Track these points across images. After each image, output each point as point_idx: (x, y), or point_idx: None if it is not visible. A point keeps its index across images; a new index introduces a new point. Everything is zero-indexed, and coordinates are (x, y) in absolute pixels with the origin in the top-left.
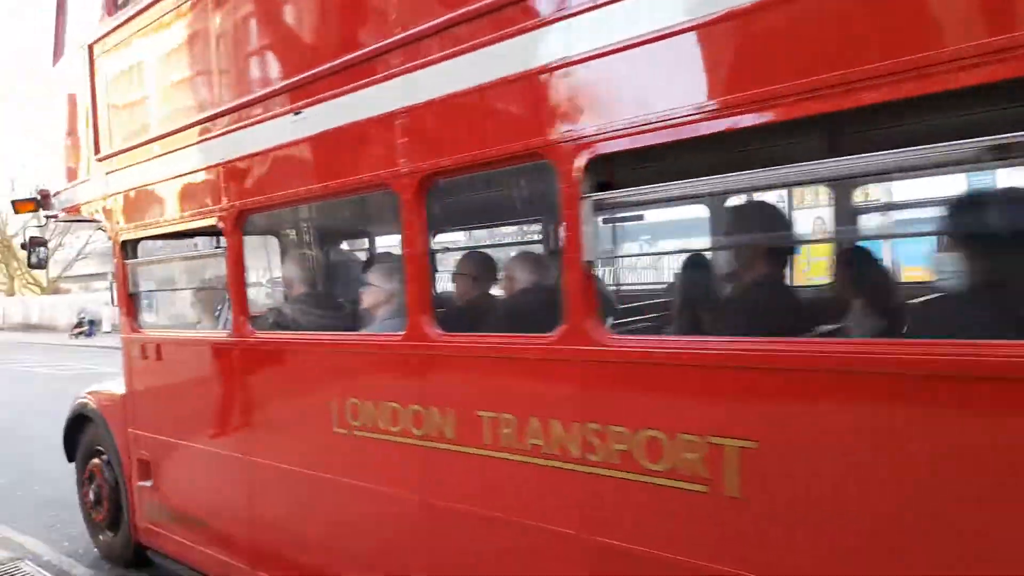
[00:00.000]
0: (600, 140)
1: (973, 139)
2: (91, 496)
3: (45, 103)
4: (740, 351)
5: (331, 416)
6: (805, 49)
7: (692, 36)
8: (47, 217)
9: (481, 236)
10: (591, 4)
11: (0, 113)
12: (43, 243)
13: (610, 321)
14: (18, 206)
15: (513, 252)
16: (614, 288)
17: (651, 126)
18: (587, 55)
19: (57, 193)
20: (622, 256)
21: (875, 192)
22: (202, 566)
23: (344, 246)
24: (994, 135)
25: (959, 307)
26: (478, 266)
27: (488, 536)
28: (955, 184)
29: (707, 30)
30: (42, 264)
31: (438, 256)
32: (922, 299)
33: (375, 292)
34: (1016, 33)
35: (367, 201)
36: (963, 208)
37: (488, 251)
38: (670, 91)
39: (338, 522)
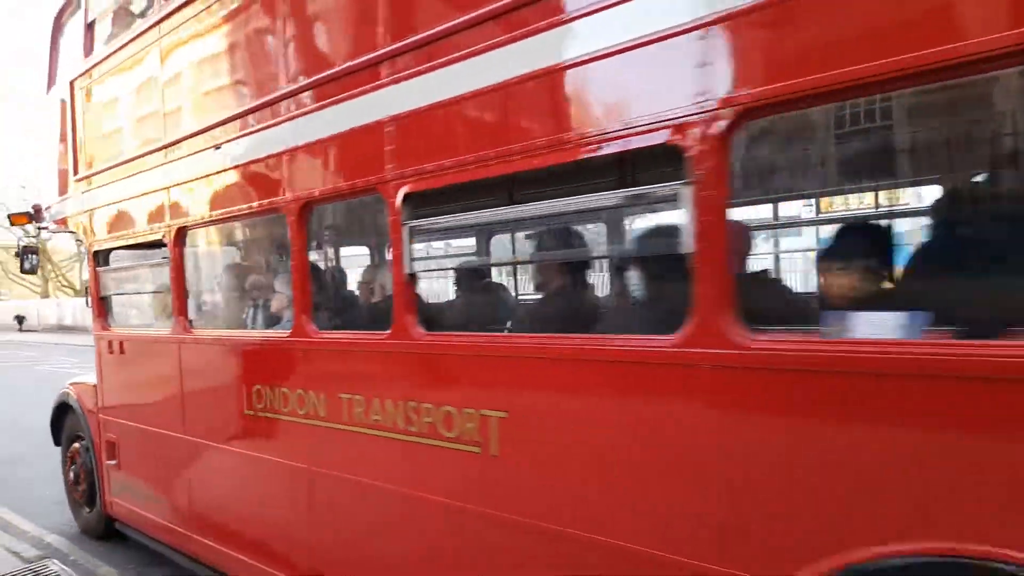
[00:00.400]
0: (409, 180)
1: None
2: (71, 476)
3: (45, 103)
4: (489, 344)
5: (242, 399)
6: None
7: (458, 108)
8: (39, 228)
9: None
10: (412, 72)
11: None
12: (35, 251)
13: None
14: (13, 219)
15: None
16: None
17: (435, 173)
18: (402, 113)
19: (48, 207)
20: (434, 270)
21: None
22: (153, 531)
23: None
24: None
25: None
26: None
27: (353, 493)
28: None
29: (460, 106)
30: (34, 270)
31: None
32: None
33: (280, 298)
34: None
35: (268, 223)
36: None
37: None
38: (445, 147)
39: (253, 489)
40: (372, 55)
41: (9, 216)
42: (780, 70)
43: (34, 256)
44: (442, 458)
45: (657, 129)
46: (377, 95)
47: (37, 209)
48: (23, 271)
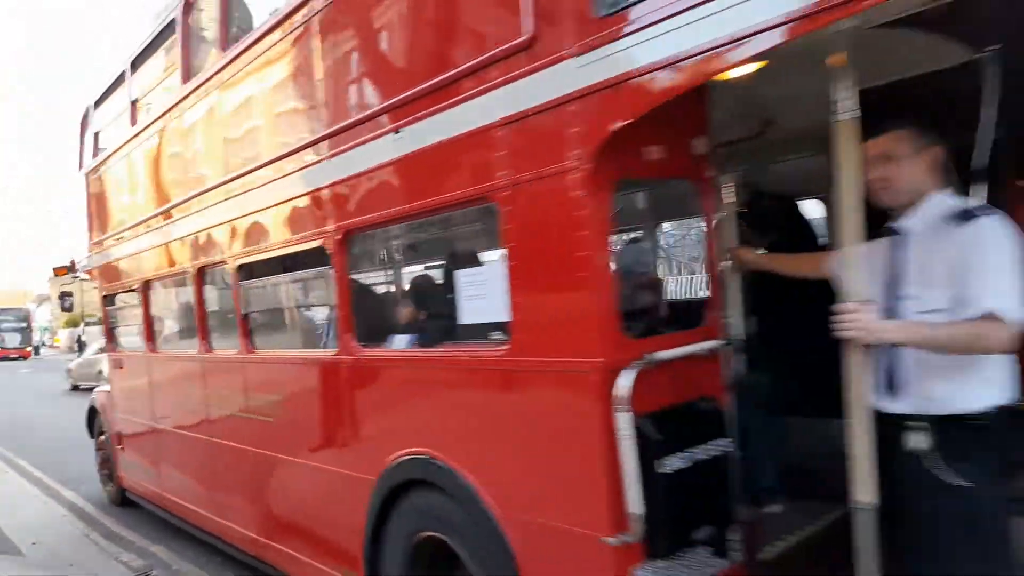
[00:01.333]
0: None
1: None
2: (99, 459)
3: (44, 113)
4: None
5: (193, 399)
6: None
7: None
8: (73, 277)
9: None
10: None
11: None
12: (70, 294)
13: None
14: (56, 271)
15: None
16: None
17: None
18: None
19: (79, 262)
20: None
21: None
22: (143, 494)
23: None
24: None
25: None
26: None
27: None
28: None
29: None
30: (71, 308)
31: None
32: None
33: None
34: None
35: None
36: None
37: None
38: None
39: (193, 457)
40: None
41: (54, 269)
42: (363, 211)
43: (70, 298)
44: (254, 425)
45: (316, 238)
46: (307, 171)
47: (72, 263)
48: (63, 310)
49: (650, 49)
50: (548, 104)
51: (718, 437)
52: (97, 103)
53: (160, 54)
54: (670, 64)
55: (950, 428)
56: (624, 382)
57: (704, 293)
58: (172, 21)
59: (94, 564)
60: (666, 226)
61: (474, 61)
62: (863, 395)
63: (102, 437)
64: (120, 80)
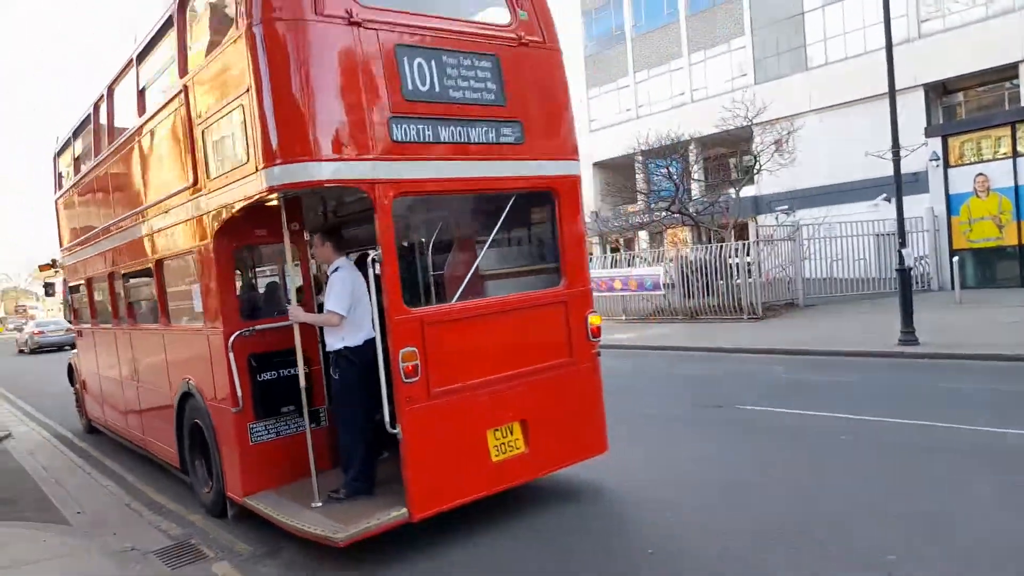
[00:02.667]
0: (160, 259)
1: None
2: (75, 400)
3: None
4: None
5: (112, 355)
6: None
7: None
8: (55, 271)
9: None
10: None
11: None
12: (52, 284)
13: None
14: (41, 268)
15: None
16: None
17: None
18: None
19: (59, 260)
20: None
21: None
22: (99, 422)
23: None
24: None
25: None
26: None
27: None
28: None
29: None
30: (53, 295)
31: None
32: None
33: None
34: None
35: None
36: None
37: None
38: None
39: (114, 393)
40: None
41: (39, 266)
42: (161, 251)
43: (52, 287)
44: (135, 368)
45: (147, 262)
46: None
47: (54, 261)
48: (47, 295)
49: (217, 199)
50: (191, 216)
51: (294, 366)
52: (64, 144)
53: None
54: (225, 205)
55: (331, 355)
56: (232, 338)
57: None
58: (95, 104)
59: (135, 532)
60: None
61: (171, 192)
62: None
63: (76, 387)
64: (83, 124)
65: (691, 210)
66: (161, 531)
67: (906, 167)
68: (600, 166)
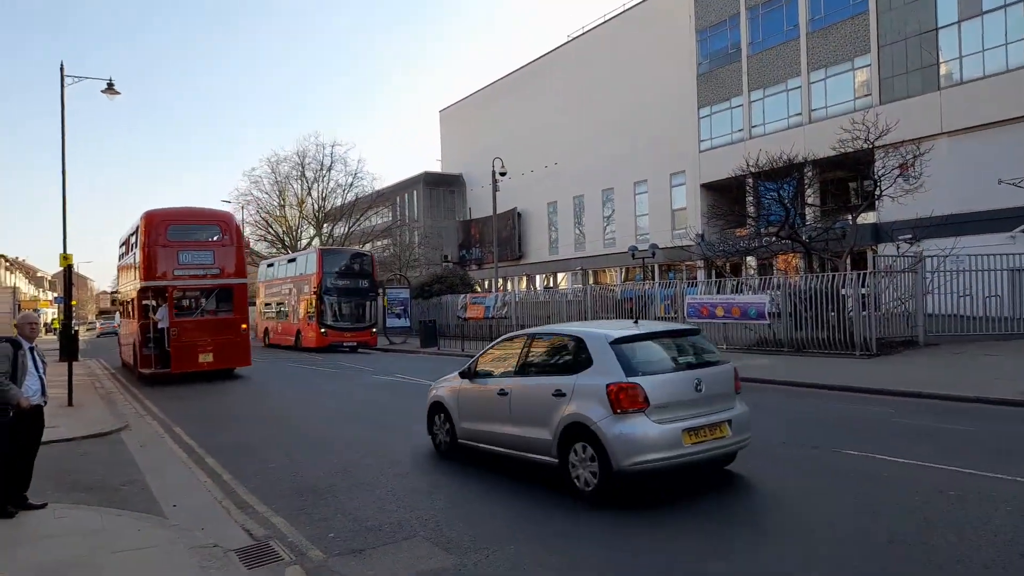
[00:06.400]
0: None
1: None
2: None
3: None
4: None
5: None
6: None
7: None
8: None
9: None
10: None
11: None
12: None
13: None
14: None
15: None
16: None
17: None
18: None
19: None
20: None
21: None
22: None
23: None
24: None
25: None
26: None
27: None
28: None
29: None
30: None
31: None
32: None
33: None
34: None
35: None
36: None
37: None
38: None
39: None
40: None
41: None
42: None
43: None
44: None
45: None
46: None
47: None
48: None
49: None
50: None
51: None
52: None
53: None
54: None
55: None
56: None
57: None
58: None
59: (221, 529)
60: None
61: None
62: None
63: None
64: None
65: (803, 236)
66: (245, 530)
67: None
68: (708, 187)
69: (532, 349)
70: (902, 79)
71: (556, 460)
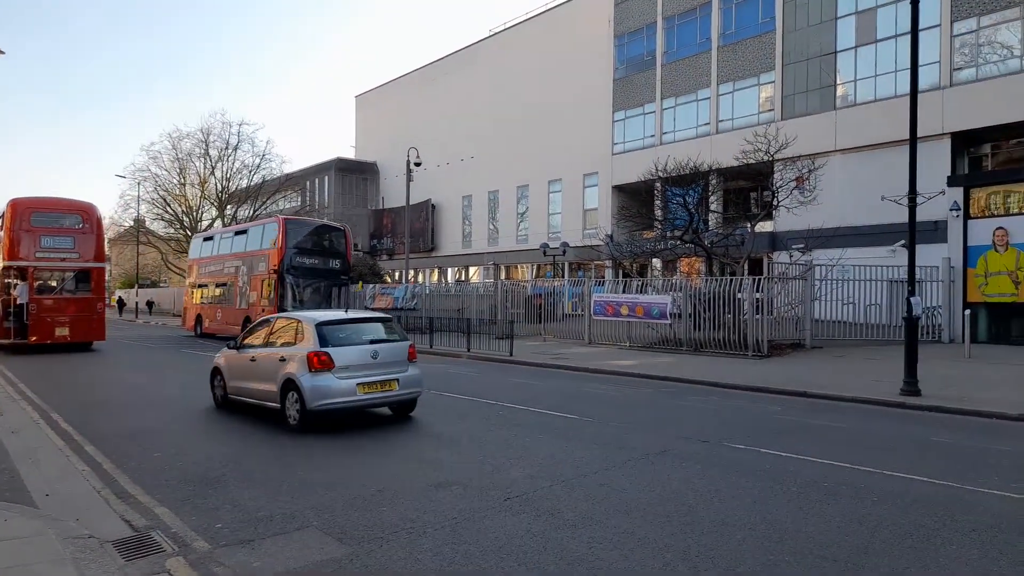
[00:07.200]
0: None
1: None
2: None
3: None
4: None
5: None
6: None
7: None
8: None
9: None
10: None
11: None
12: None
13: None
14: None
15: None
16: None
17: None
18: None
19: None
20: None
21: None
22: None
23: None
24: None
25: None
26: None
27: None
28: None
29: None
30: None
31: None
32: None
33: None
34: None
35: None
36: None
37: None
38: None
39: None
40: None
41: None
42: None
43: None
44: None
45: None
46: None
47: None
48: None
49: None
50: None
51: None
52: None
53: None
54: None
55: None
56: None
57: None
58: None
59: (99, 519)
60: None
61: None
62: None
63: None
64: None
65: (706, 241)
66: (125, 521)
67: (927, 215)
68: (619, 189)
69: (274, 328)
70: (803, 97)
71: (279, 406)
